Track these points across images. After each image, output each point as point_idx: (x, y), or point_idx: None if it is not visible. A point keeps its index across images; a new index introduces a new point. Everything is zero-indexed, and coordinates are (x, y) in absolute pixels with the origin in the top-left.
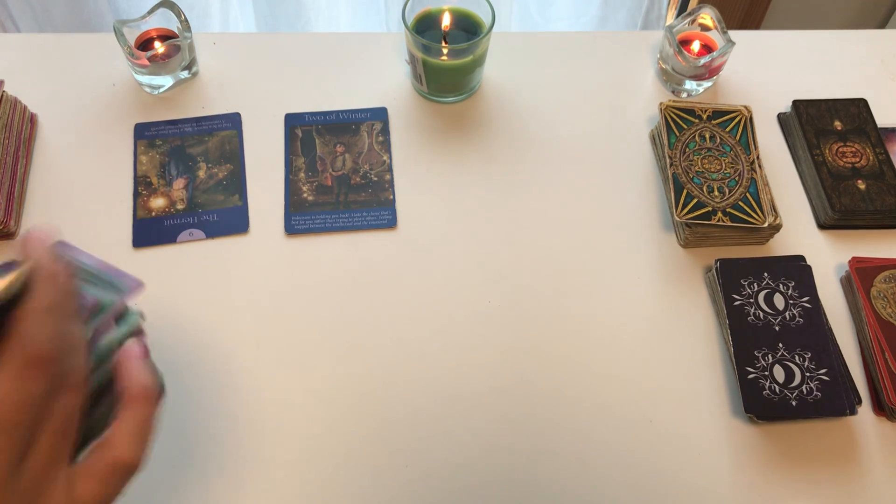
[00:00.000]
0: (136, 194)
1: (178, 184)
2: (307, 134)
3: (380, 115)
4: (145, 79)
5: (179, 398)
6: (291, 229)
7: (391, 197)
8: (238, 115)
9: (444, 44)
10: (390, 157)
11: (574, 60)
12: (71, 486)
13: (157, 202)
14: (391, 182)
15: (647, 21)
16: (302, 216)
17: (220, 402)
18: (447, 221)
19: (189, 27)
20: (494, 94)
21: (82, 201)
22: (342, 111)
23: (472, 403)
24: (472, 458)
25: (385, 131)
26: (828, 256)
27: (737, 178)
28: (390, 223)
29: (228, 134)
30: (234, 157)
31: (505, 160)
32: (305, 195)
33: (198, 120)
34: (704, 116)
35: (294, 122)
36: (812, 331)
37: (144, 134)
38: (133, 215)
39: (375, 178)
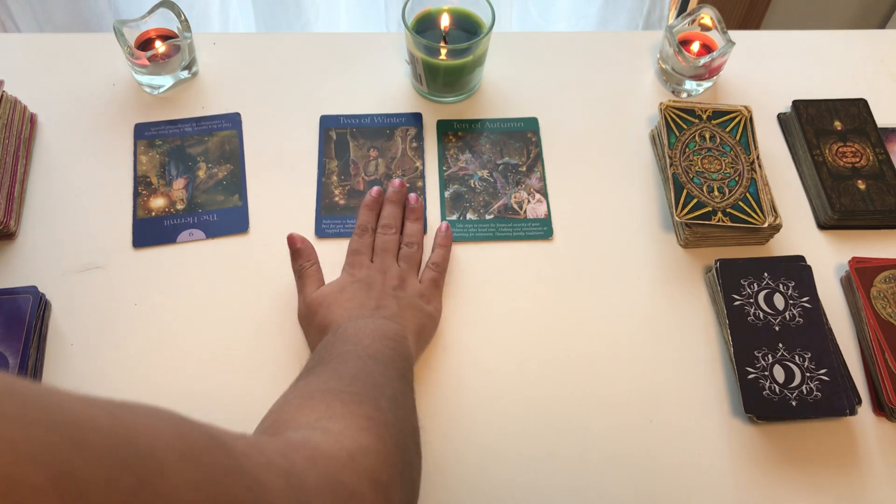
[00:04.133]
0: (136, 194)
1: (178, 184)
2: (341, 137)
3: (415, 120)
4: (145, 79)
5: (180, 400)
6: (322, 233)
7: (423, 204)
8: (238, 115)
9: (443, 44)
10: (423, 164)
11: (574, 60)
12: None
13: (157, 202)
14: (423, 189)
15: (648, 23)
16: (333, 219)
17: (220, 404)
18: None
19: (189, 27)
20: (494, 94)
21: (82, 201)
22: (377, 115)
23: (471, 403)
24: (471, 457)
25: (419, 137)
26: (828, 256)
27: (737, 178)
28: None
29: (228, 134)
30: (233, 156)
31: None
32: (337, 198)
33: (198, 120)
34: (704, 116)
35: (328, 125)
36: (812, 331)
37: (144, 134)
38: (133, 215)
39: (408, 185)
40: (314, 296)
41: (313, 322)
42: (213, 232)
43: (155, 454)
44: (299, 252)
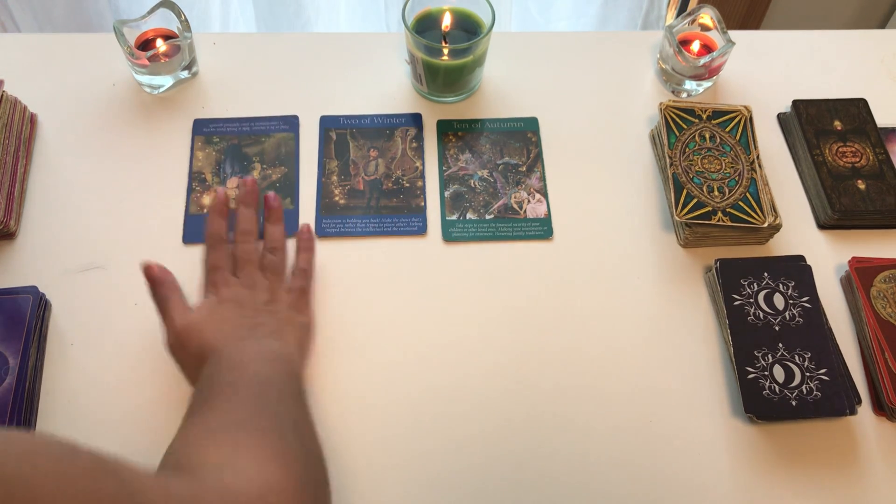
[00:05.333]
0: (190, 190)
1: (232, 183)
2: (341, 137)
3: (414, 120)
4: (145, 79)
5: (179, 399)
6: (322, 232)
7: (423, 204)
8: (296, 117)
9: (444, 44)
10: (423, 164)
11: (574, 60)
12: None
13: (209, 200)
14: (423, 189)
15: (647, 22)
16: (333, 219)
17: None
18: None
19: (189, 27)
20: (494, 94)
21: (82, 201)
22: (377, 115)
23: (472, 404)
24: (472, 456)
25: (419, 137)
26: (828, 256)
27: (737, 178)
28: (420, 230)
29: (285, 136)
30: (289, 160)
31: None
32: (337, 198)
33: (255, 120)
34: (704, 116)
35: (328, 125)
36: (812, 331)
37: (202, 130)
38: (185, 210)
39: (407, 185)
40: (183, 323)
41: (188, 351)
42: (261, 234)
43: (26, 480)
44: (158, 281)
